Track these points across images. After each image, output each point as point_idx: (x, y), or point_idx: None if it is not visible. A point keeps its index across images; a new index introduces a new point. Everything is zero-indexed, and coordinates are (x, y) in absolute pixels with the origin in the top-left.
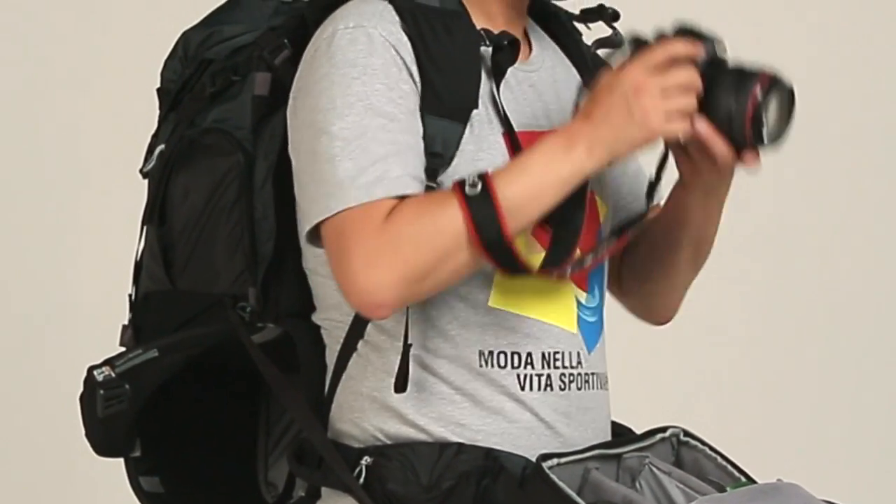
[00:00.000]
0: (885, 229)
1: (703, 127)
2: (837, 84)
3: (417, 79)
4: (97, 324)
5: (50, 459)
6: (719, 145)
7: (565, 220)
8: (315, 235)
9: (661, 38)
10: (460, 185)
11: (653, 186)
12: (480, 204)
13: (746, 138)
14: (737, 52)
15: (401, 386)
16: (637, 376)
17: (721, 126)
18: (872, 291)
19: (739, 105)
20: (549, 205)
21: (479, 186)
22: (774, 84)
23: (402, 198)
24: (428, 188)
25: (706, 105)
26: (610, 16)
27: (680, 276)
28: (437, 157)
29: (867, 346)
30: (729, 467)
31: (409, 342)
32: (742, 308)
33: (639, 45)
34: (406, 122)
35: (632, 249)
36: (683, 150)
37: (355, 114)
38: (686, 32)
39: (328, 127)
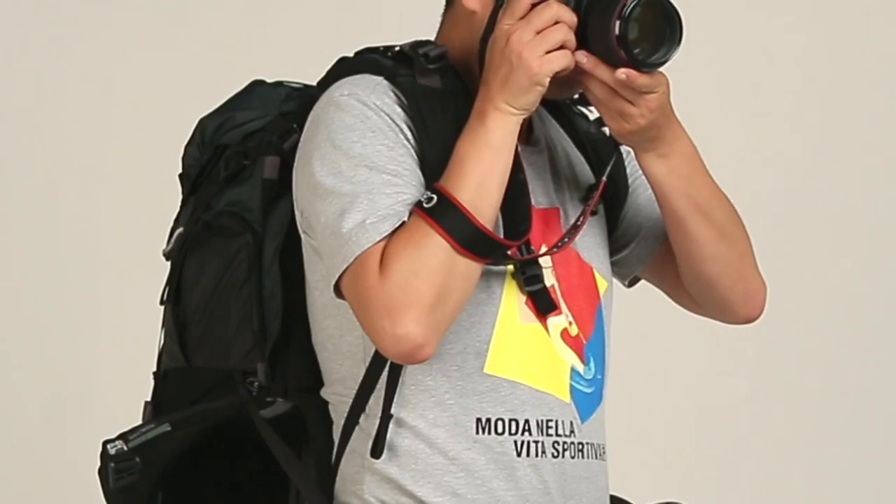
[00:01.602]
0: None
1: (583, 58)
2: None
3: (416, 151)
4: (119, 400)
5: None
6: (602, 72)
7: (511, 200)
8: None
9: None
10: (418, 206)
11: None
12: (444, 211)
13: (621, 59)
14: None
15: (377, 452)
16: (637, 450)
17: (599, 52)
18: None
19: (605, 26)
20: (503, 176)
21: (435, 198)
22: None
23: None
24: None
25: (584, 36)
26: None
27: (714, 251)
28: None
29: (863, 425)
30: None
31: (392, 413)
32: (742, 382)
33: None
34: (409, 178)
35: (669, 260)
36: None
37: (360, 174)
38: None
39: (335, 187)
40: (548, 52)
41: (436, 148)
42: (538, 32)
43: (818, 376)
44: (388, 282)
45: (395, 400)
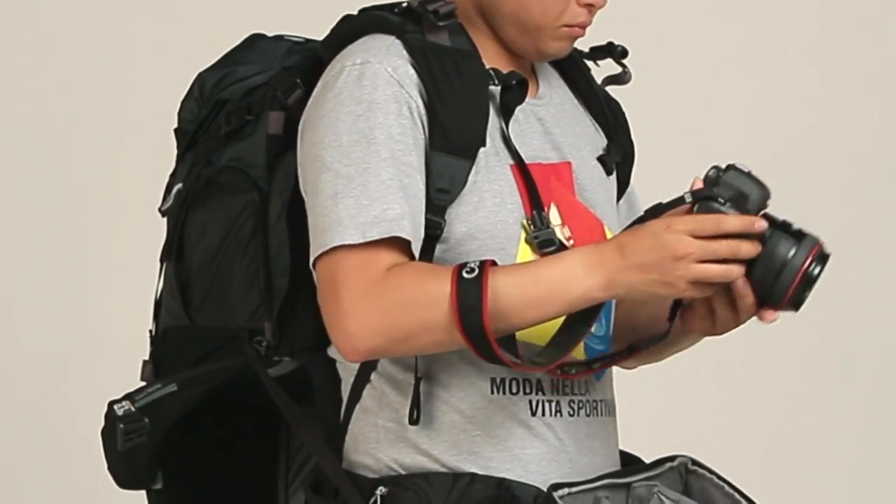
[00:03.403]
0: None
1: (740, 282)
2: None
3: (424, 114)
4: (120, 359)
5: (73, 492)
6: (748, 300)
7: (568, 331)
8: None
9: (717, 199)
10: (461, 266)
11: (674, 312)
12: (470, 289)
13: (786, 296)
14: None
15: (415, 418)
16: (646, 405)
17: (762, 280)
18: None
19: (794, 264)
20: (550, 316)
21: (476, 273)
22: (824, 257)
23: (398, 239)
24: (433, 223)
25: (755, 259)
26: (619, 53)
27: (641, 362)
28: (444, 193)
29: (880, 378)
30: (736, 496)
31: (420, 375)
32: (752, 338)
33: (699, 200)
34: (407, 158)
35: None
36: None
37: (359, 151)
38: (737, 175)
39: (332, 164)
40: (697, 280)
41: (448, 106)
42: (702, 258)
43: (827, 329)
44: (380, 294)
45: (407, 359)
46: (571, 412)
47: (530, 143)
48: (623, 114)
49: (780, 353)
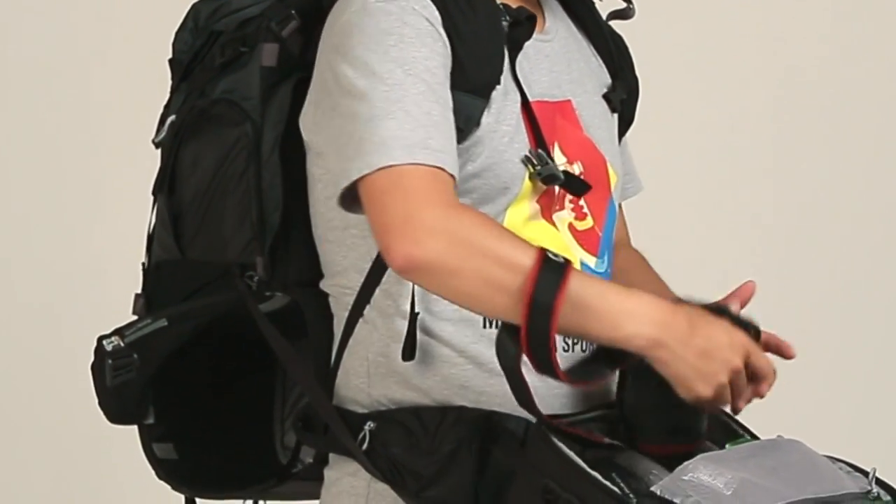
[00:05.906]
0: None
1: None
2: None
3: (449, 53)
4: (114, 292)
5: (66, 427)
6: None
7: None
8: (349, 197)
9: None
10: (544, 248)
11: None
12: (553, 271)
13: None
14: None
15: (408, 354)
16: None
17: None
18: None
19: None
20: (587, 336)
21: (562, 260)
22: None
23: (444, 172)
24: None
25: None
26: None
27: None
28: (458, 132)
29: (873, 310)
30: (730, 423)
31: (417, 311)
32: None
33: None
34: (441, 93)
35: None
36: None
37: (396, 78)
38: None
39: (368, 91)
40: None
41: (465, 43)
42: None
43: (831, 269)
44: (451, 219)
45: (402, 293)
46: (566, 347)
47: (539, 80)
48: (627, 50)
49: (777, 285)
